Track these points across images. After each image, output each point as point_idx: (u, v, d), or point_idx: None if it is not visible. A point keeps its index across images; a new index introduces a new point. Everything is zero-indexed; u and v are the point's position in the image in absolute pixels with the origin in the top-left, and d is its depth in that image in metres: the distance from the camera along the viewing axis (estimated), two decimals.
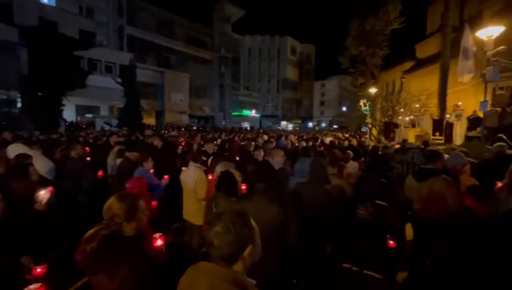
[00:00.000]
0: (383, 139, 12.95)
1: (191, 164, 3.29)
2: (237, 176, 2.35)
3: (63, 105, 16.37)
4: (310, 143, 9.16)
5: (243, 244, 1.04)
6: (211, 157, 4.54)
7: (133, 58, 22.66)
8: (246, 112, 45.22)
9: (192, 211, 3.27)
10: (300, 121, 58.11)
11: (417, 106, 14.60)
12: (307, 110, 62.95)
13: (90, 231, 1.44)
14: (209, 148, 5.15)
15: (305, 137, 12.66)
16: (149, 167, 3.50)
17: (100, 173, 4.30)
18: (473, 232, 1.39)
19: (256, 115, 47.86)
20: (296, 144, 8.72)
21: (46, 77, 14.89)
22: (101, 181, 4.27)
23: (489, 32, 7.26)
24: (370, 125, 18.23)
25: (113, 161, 4.33)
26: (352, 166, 4.42)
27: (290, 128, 47.80)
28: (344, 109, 44.93)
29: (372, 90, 17.82)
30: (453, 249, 1.54)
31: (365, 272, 2.39)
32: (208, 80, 36.21)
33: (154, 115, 29.39)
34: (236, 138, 10.63)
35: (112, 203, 1.53)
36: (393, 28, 20.74)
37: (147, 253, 1.61)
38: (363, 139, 12.21)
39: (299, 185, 2.72)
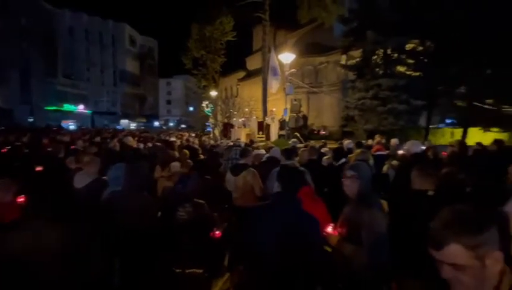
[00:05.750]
0: (219, 138, 14.45)
1: None
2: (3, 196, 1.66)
3: None
4: (150, 144, 8.54)
5: None
6: None
7: None
8: (69, 107, 35.96)
9: None
10: (145, 120, 53.72)
11: (247, 109, 17.45)
12: (152, 108, 59.20)
13: None
14: None
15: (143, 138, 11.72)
16: None
17: None
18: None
19: (85, 111, 39.24)
20: (135, 146, 7.81)
21: None
22: None
23: (286, 57, 9.85)
24: (212, 126, 19.78)
25: None
26: (174, 165, 4.18)
27: (132, 127, 42.86)
28: (191, 109, 46.12)
29: (213, 93, 19.44)
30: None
31: (187, 271, 2.44)
32: (0, 58, 25.52)
33: None
34: (45, 141, 8.05)
35: None
36: (228, 39, 23.59)
37: None
38: (203, 138, 13.02)
39: (113, 195, 2.37)
